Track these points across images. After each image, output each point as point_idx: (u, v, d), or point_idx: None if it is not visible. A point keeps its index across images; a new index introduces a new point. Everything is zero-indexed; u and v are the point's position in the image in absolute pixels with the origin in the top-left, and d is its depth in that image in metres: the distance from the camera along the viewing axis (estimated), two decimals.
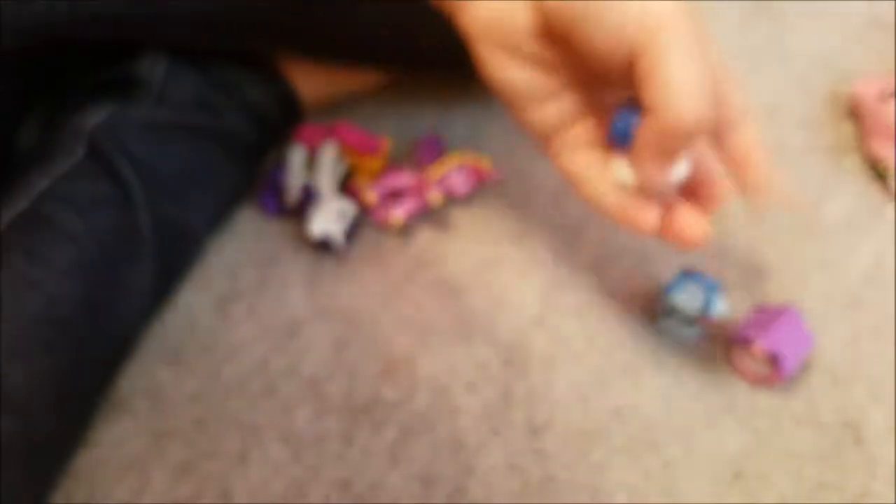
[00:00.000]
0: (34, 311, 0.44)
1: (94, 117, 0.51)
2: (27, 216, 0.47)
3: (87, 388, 0.48)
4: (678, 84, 0.36)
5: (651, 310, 0.53)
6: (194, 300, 0.54)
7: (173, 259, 0.52)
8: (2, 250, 0.45)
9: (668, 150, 0.38)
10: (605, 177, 0.42)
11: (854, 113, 0.62)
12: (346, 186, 0.57)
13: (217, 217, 0.56)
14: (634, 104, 0.39)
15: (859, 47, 0.66)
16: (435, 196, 0.56)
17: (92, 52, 0.57)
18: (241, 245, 0.56)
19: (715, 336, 0.52)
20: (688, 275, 0.51)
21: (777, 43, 0.67)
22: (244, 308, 0.53)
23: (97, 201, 0.48)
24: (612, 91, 0.41)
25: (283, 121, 0.58)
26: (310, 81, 0.59)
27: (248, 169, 0.57)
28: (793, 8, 0.69)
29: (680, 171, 0.40)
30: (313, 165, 0.57)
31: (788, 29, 0.68)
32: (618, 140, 0.40)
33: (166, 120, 0.53)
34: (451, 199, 0.57)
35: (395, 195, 0.57)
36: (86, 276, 0.47)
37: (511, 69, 0.41)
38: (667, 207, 0.42)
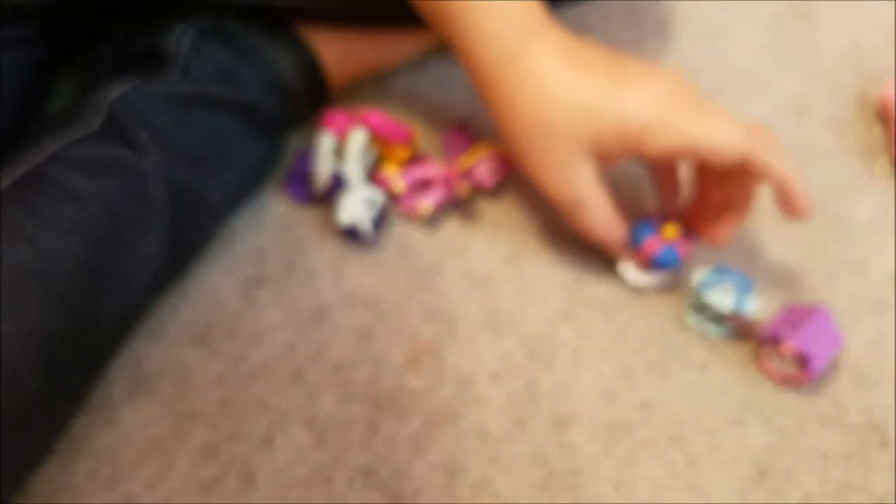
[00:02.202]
0: (27, 265, 0.44)
1: (117, 90, 0.51)
2: (32, 175, 0.46)
3: (86, 351, 0.47)
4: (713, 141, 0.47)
5: (678, 305, 0.53)
6: (221, 284, 0.54)
7: (188, 231, 0.52)
8: (1, 206, 0.45)
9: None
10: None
11: (882, 115, 0.62)
12: (374, 175, 0.57)
13: (237, 192, 0.56)
14: (651, 221, 0.52)
15: (889, 48, 0.66)
16: (463, 187, 0.56)
17: (121, 24, 0.57)
18: (269, 231, 0.56)
19: (742, 334, 0.52)
20: (721, 272, 0.51)
21: (806, 42, 0.67)
22: (271, 293, 0.53)
23: (107, 165, 0.48)
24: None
25: (308, 96, 0.58)
26: (336, 53, 0.58)
27: (271, 144, 0.57)
28: (822, 7, 0.69)
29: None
30: (342, 153, 0.57)
31: (818, 28, 0.67)
32: (634, 244, 0.52)
33: (189, 92, 0.53)
34: (479, 190, 0.57)
35: (423, 185, 0.57)
36: (87, 235, 0.46)
37: None
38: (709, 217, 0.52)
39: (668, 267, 0.51)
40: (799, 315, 0.50)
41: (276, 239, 0.56)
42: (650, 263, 0.51)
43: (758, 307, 0.51)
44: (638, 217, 0.53)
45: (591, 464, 0.48)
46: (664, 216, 0.52)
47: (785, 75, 0.64)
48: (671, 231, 0.51)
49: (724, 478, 0.47)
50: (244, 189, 0.56)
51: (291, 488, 0.47)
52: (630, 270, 0.52)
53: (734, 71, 0.64)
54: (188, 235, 0.53)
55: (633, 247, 0.52)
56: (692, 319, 0.52)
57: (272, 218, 0.57)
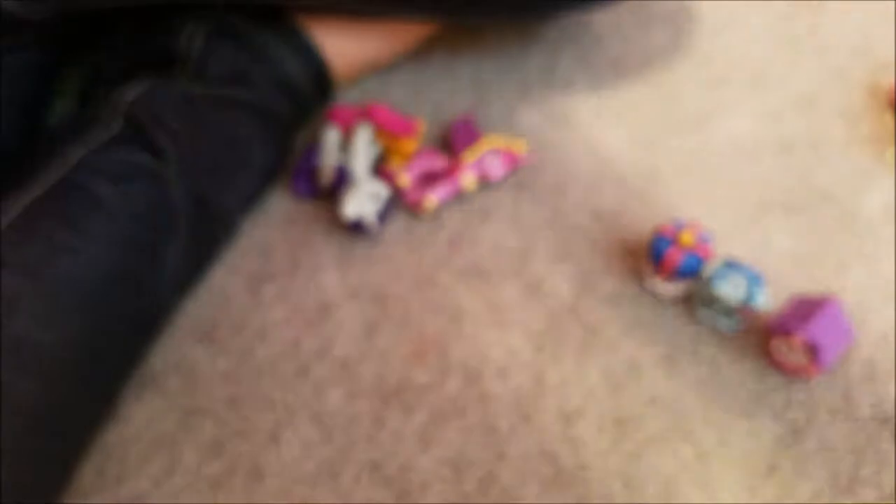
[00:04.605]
0: (66, 277, 0.45)
1: (132, 92, 0.51)
2: (63, 185, 0.47)
3: (117, 359, 0.48)
4: None
5: (686, 298, 0.52)
6: (227, 280, 0.54)
7: (205, 235, 0.52)
8: (37, 217, 0.45)
9: None
10: None
11: (893, 105, 0.61)
12: (380, 169, 0.57)
13: (251, 194, 0.55)
14: (666, 233, 0.51)
15: None
16: (469, 180, 0.56)
17: (130, 25, 0.57)
18: (274, 226, 0.56)
19: (752, 327, 0.51)
20: (731, 265, 0.51)
21: (817, 33, 0.66)
22: (277, 289, 0.53)
23: (132, 173, 0.48)
24: None
25: (314, 96, 0.58)
26: (340, 46, 0.58)
27: (281, 145, 0.57)
28: None
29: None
30: (347, 147, 0.57)
31: (828, 19, 0.67)
32: (655, 259, 0.51)
33: (203, 93, 0.52)
34: (485, 184, 0.57)
35: (428, 179, 0.56)
36: (119, 245, 0.47)
37: None
38: None
39: (692, 274, 0.51)
40: (809, 306, 0.49)
41: (281, 234, 0.56)
42: (675, 274, 0.51)
43: (768, 300, 0.51)
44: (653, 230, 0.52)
45: (599, 459, 0.47)
46: (678, 225, 0.52)
47: (795, 66, 0.64)
48: (687, 238, 0.51)
49: (733, 473, 0.47)
50: (257, 190, 0.56)
51: (298, 484, 0.47)
52: (658, 284, 0.52)
53: (744, 63, 0.63)
54: (205, 239, 0.53)
55: (655, 262, 0.51)
56: (702, 313, 0.52)
57: (277, 213, 0.56)
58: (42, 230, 0.45)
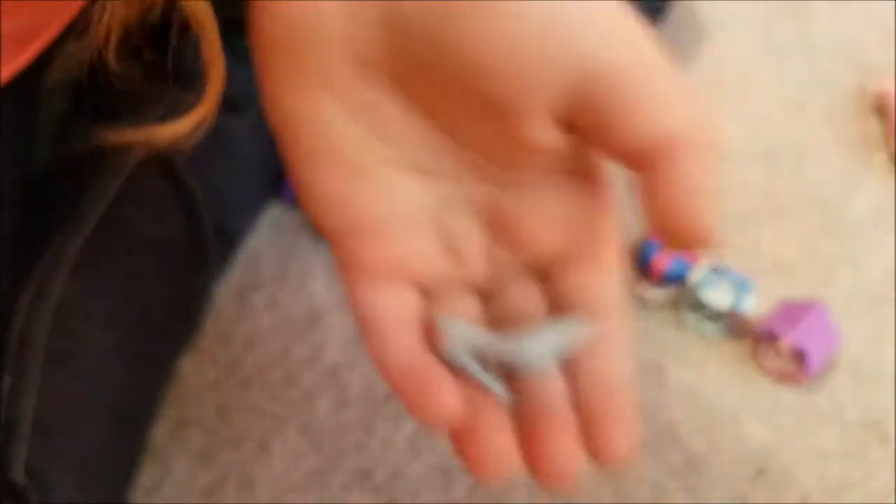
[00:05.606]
0: (134, 321, 0.46)
1: (149, 117, 0.50)
2: (108, 224, 0.46)
3: (164, 389, 0.49)
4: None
5: (675, 304, 0.53)
6: (216, 290, 0.54)
7: (222, 257, 0.53)
8: (94, 266, 0.45)
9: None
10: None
11: (879, 110, 0.61)
12: None
13: (254, 215, 0.56)
14: (653, 239, 0.46)
15: (887, 44, 0.65)
16: None
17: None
18: (263, 235, 0.56)
19: (739, 332, 0.51)
20: (718, 271, 0.51)
21: (804, 39, 0.66)
22: (265, 298, 0.53)
23: (168, 208, 0.49)
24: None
25: None
26: None
27: (278, 159, 0.57)
28: (820, 5, 0.68)
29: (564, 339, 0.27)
30: None
31: (815, 25, 0.67)
32: (642, 265, 0.51)
33: (217, 117, 0.52)
34: None
35: None
36: (171, 283, 0.48)
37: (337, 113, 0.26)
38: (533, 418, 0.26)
39: (679, 279, 0.51)
40: (796, 311, 0.49)
41: (269, 243, 0.56)
42: (661, 279, 0.51)
43: (755, 305, 0.51)
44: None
45: (588, 465, 0.47)
46: None
47: (782, 72, 0.64)
48: None
49: (721, 478, 0.47)
50: (259, 204, 0.56)
51: (288, 492, 0.47)
52: (645, 290, 0.52)
53: (731, 68, 0.64)
54: (222, 259, 0.53)
55: (641, 267, 0.52)
56: (689, 319, 0.52)
57: (266, 221, 0.57)
58: (103, 280, 0.45)
